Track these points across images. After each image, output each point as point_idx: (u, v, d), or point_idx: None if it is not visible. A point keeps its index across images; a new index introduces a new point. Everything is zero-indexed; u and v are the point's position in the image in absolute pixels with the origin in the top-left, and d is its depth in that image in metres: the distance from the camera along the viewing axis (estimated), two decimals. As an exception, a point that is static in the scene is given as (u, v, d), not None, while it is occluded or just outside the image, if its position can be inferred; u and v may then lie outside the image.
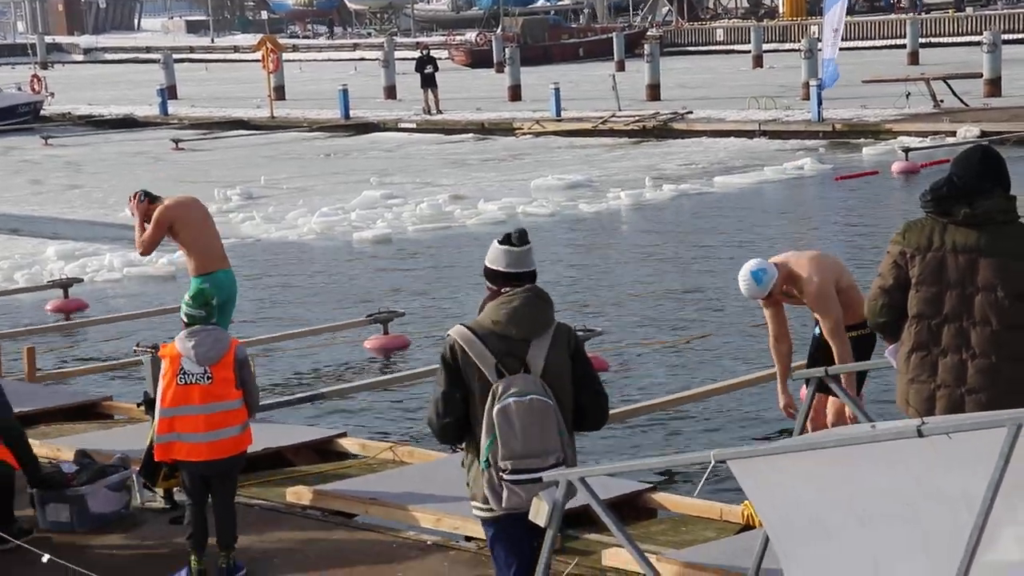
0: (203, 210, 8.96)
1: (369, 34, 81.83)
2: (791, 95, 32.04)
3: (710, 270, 14.85)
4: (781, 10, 65.57)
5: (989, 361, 4.53)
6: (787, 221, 18.50)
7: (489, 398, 4.42)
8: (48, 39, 79.70)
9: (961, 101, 28.18)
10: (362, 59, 62.38)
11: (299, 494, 7.10)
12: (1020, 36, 49.33)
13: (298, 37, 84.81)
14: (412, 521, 6.68)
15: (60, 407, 9.23)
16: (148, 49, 75.95)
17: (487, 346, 4.46)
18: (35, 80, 40.94)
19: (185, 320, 6.23)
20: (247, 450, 6.29)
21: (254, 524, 6.65)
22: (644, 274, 14.92)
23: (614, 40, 49.00)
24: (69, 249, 17.17)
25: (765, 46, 49.35)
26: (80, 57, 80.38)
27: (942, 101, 28.09)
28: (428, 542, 6.43)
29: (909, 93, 28.25)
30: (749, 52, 48.51)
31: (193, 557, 6.10)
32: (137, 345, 8.44)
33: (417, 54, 37.68)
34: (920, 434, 3.25)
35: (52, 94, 40.40)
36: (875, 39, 55.48)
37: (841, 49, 28.90)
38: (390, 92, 39.59)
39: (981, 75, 30.10)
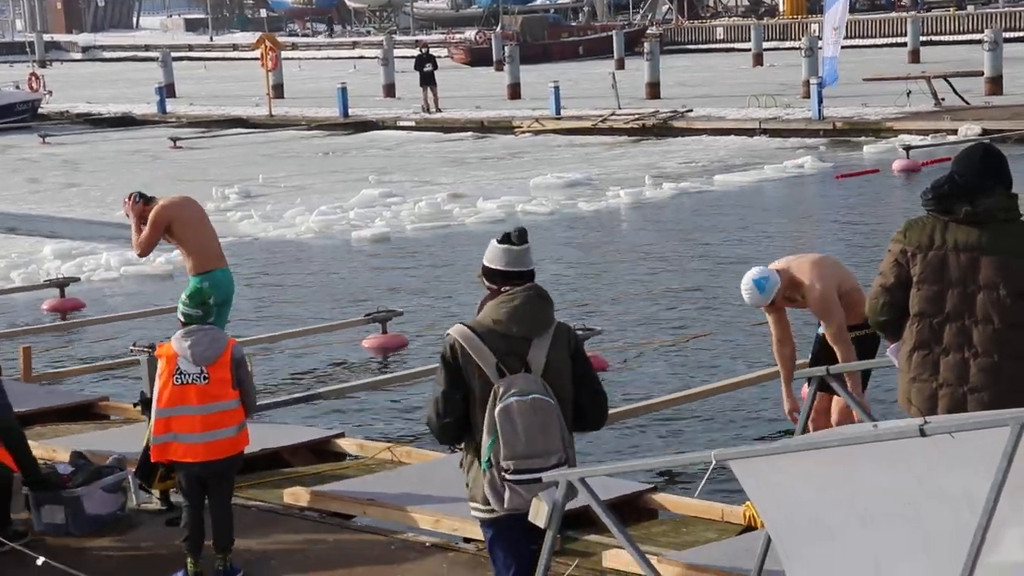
0: (199, 209, 8.95)
1: (368, 32, 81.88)
2: (791, 93, 32.03)
3: (710, 269, 14.82)
4: (781, 8, 65.61)
5: (991, 360, 4.53)
6: (787, 220, 18.45)
7: (490, 398, 4.40)
8: (46, 37, 79.74)
9: (962, 99, 28.16)
10: (361, 57, 62.33)
11: (296, 495, 7.07)
12: (1021, 34, 49.34)
13: (297, 35, 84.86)
14: (410, 522, 6.64)
15: (56, 407, 9.21)
16: (147, 47, 75.89)
17: (488, 345, 4.44)
18: (33, 78, 40.89)
19: (182, 320, 6.20)
20: (244, 451, 6.26)
21: (251, 526, 6.62)
22: (644, 273, 14.89)
23: (614, 38, 49.01)
24: (66, 248, 17.13)
25: (765, 44, 49.32)
26: (78, 55, 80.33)
27: (943, 99, 28.07)
28: (427, 544, 6.40)
29: (910, 91, 28.21)
30: (749, 50, 48.46)
31: (189, 559, 6.08)
32: (133, 345, 8.42)
33: (416, 52, 37.62)
34: (922, 433, 3.23)
35: (50, 92, 40.36)
36: (876, 37, 55.45)
37: (842, 48, 28.88)
38: (389, 90, 39.54)
39: (982, 73, 30.08)
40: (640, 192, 20.47)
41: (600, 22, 67.80)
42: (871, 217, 17.68)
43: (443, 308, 13.27)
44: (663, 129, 28.76)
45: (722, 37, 61.04)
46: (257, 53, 38.80)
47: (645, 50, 36.86)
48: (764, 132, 27.31)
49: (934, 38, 51.49)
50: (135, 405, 7.61)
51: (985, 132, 23.94)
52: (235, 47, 74.45)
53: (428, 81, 33.58)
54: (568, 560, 5.93)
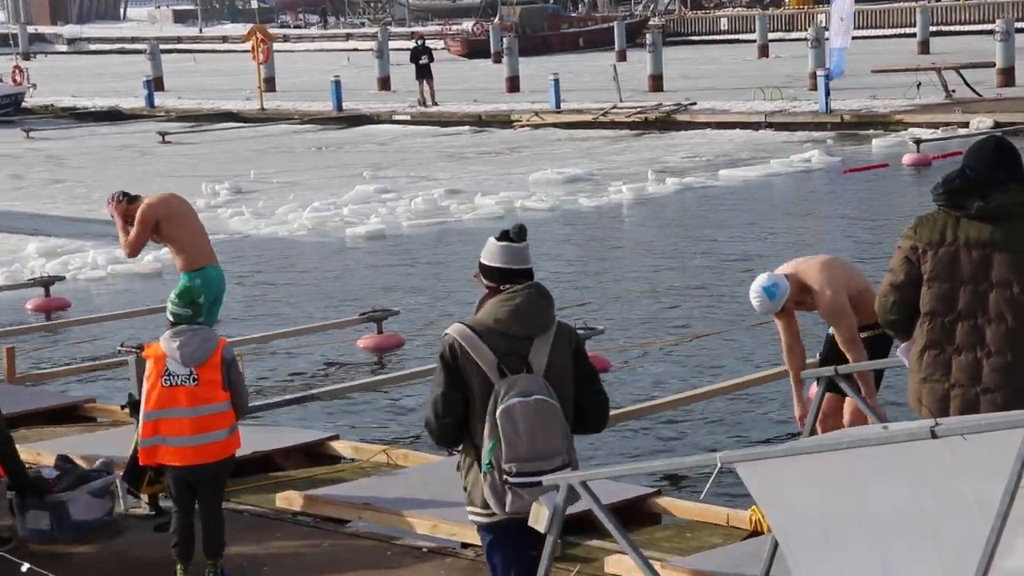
0: (187, 205, 8.92)
1: (362, 23, 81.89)
2: (798, 85, 31.99)
3: (714, 266, 14.75)
4: (787, -2, 65.24)
5: (1005, 359, 4.47)
6: (794, 216, 18.33)
7: (491, 399, 4.35)
8: (30, 29, 79.46)
9: (974, 91, 28.06)
10: (355, 49, 62.28)
11: (289, 499, 7.05)
12: (1034, 24, 48.98)
13: (289, 27, 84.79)
14: (407, 527, 6.63)
15: (41, 409, 9.17)
16: (134, 39, 75.69)
17: (488, 345, 4.40)
18: (17, 71, 40.73)
19: (171, 319, 6.17)
20: (235, 454, 6.24)
21: (243, 531, 6.60)
22: (646, 270, 14.82)
23: (615, 29, 48.94)
24: (51, 246, 17.01)
25: (771, 35, 49.34)
26: (63, 47, 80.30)
27: (954, 91, 27.99)
28: (424, 549, 6.38)
29: (920, 83, 28.15)
30: (754, 41, 48.41)
31: (179, 566, 6.07)
32: (121, 345, 8.38)
33: (412, 44, 37.59)
34: (934, 435, 3.18)
35: (34, 85, 40.24)
36: (884, 28, 55.44)
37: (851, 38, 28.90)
38: (384, 83, 39.40)
39: (994, 64, 30.01)
40: (642, 187, 20.35)
41: (601, 13, 67.96)
42: (880, 213, 17.56)
43: (440, 307, 13.20)
44: (666, 123, 28.70)
45: (726, 28, 61.11)
46: (248, 45, 38.77)
47: (647, 41, 36.79)
48: (770, 126, 27.24)
49: (944, 28, 51.46)
50: (123, 407, 7.59)
51: (997, 125, 23.79)
52: (225, 39, 74.38)
53: (424, 74, 33.46)
54: (569, 566, 5.90)
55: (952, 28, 52.52)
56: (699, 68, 42.44)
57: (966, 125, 24.41)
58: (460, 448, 4.53)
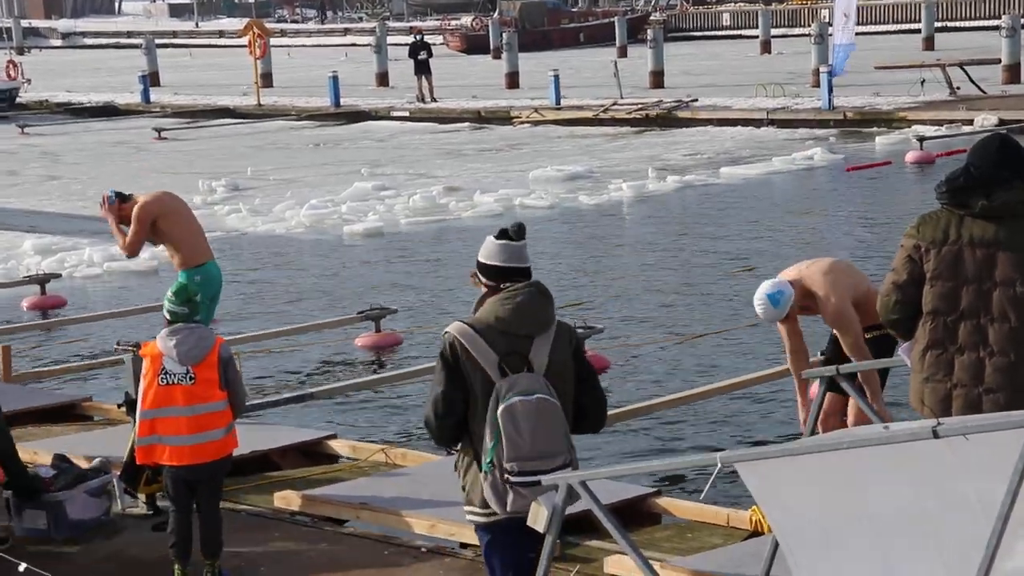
0: (181, 202, 8.88)
1: (360, 18, 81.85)
2: (800, 82, 31.94)
3: (715, 264, 14.71)
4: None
5: (1008, 359, 4.46)
6: (796, 214, 18.26)
7: (492, 398, 4.34)
8: (24, 23, 79.34)
9: (978, 88, 27.98)
10: (353, 45, 62.27)
11: (287, 499, 7.03)
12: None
13: (286, 21, 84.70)
14: (405, 527, 6.62)
15: (37, 408, 9.15)
16: (129, 34, 75.67)
17: (489, 343, 4.40)
18: (11, 66, 40.67)
19: (168, 317, 6.15)
20: (232, 453, 6.23)
21: (240, 531, 6.59)
22: (646, 269, 14.80)
23: (616, 25, 48.86)
24: (46, 243, 16.95)
25: (773, 31, 49.26)
26: (58, 42, 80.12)
27: (958, 88, 27.92)
28: (422, 549, 6.37)
29: (924, 80, 28.07)
30: (757, 37, 48.35)
31: (177, 566, 6.05)
32: (118, 343, 8.33)
33: (410, 39, 37.46)
34: (936, 435, 3.18)
35: (29, 80, 40.10)
36: (888, 23, 55.37)
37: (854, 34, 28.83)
38: (382, 79, 39.29)
39: (999, 61, 29.94)
40: (643, 185, 20.29)
41: (602, 8, 67.77)
42: (883, 211, 17.51)
43: (438, 305, 13.18)
44: (667, 120, 28.60)
45: (728, 23, 61.06)
46: (245, 40, 38.60)
47: (648, 37, 36.74)
48: (772, 123, 27.17)
49: (949, 24, 51.25)
50: (119, 406, 7.57)
51: (1002, 122, 23.67)
52: (222, 34, 74.31)
53: (423, 69, 33.39)
54: (568, 566, 5.90)
55: (957, 24, 52.37)
56: (701, 64, 42.38)
57: (970, 122, 24.35)
58: (458, 447, 4.53)
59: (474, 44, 54.41)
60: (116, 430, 8.18)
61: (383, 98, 35.21)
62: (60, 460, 7.00)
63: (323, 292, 14.13)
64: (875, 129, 25.59)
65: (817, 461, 3.45)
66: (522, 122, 29.94)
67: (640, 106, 29.45)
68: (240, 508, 6.97)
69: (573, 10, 66.63)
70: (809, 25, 40.41)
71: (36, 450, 7.85)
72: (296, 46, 64.64)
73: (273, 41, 45.50)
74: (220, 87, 40.78)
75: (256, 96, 35.41)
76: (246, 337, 10.98)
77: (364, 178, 21.99)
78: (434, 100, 33.20)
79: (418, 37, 35.11)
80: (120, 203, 8.52)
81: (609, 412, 6.24)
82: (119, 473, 6.87)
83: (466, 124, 30.68)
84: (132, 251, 8.72)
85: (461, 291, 13.15)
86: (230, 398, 6.04)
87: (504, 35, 40.07)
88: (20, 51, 63.33)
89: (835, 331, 6.79)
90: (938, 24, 46.04)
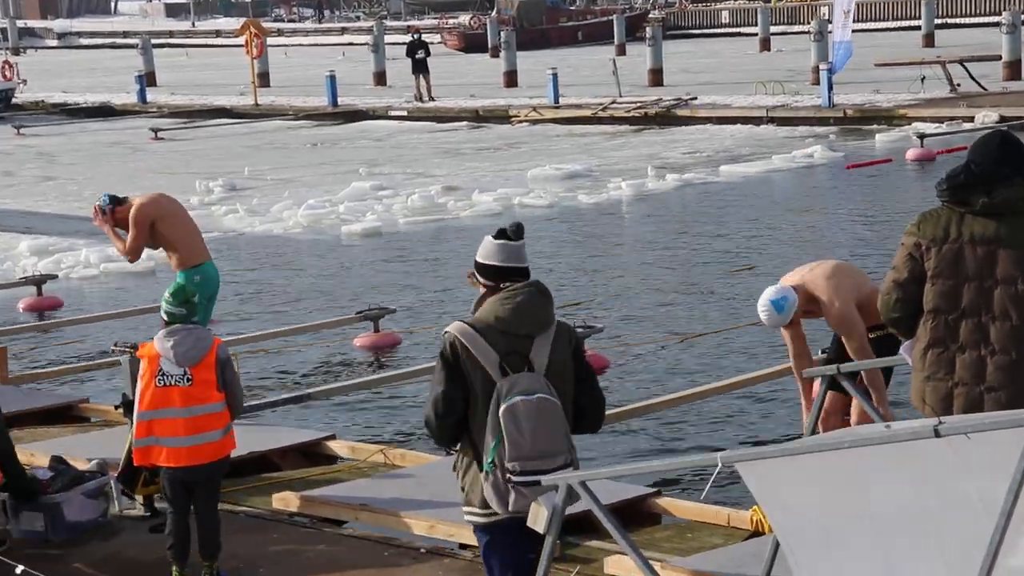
0: (177, 203, 8.91)
1: (358, 17, 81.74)
2: (800, 80, 31.93)
3: (715, 263, 14.70)
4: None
5: (1009, 357, 4.45)
6: (796, 212, 18.21)
7: (493, 397, 4.35)
8: (20, 23, 79.06)
9: (979, 85, 27.95)
10: (350, 44, 62.18)
11: (286, 500, 7.04)
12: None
13: (283, 21, 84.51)
14: (405, 528, 6.63)
15: (34, 410, 9.16)
16: (125, 34, 75.45)
17: (489, 343, 4.40)
18: (6, 66, 40.52)
19: (165, 318, 6.15)
20: (230, 455, 6.23)
21: (239, 532, 6.60)
22: (646, 268, 14.78)
23: (614, 23, 48.77)
24: (43, 244, 16.92)
25: (773, 28, 49.19)
26: (54, 42, 79.85)
27: (959, 85, 27.89)
28: (422, 550, 6.38)
29: (924, 77, 28.01)
30: (756, 35, 48.28)
31: (175, 568, 6.06)
32: (115, 345, 8.30)
33: (408, 38, 37.44)
34: (937, 434, 3.18)
35: (24, 81, 40.01)
36: (888, 20, 55.30)
37: (854, 31, 28.82)
38: (380, 78, 39.24)
39: (1000, 57, 29.89)
40: (642, 184, 20.26)
41: (600, 6, 67.62)
42: (883, 209, 17.49)
43: (437, 305, 13.17)
44: (666, 118, 28.56)
45: (727, 21, 60.98)
46: (241, 40, 38.50)
47: (647, 35, 36.70)
48: (772, 120, 27.13)
49: (949, 20, 51.16)
50: (116, 407, 7.55)
51: (1003, 119, 23.65)
52: (218, 33, 74.20)
53: (420, 68, 33.36)
54: (568, 567, 5.90)
55: (958, 20, 52.29)
56: (700, 62, 42.33)
57: (971, 119, 24.33)
58: (457, 448, 4.53)
59: (472, 43, 54.31)
60: (113, 432, 8.17)
61: (381, 97, 35.17)
62: (57, 462, 6.99)
63: (321, 292, 14.12)
64: (875, 126, 25.55)
65: (818, 460, 3.45)
66: (520, 121, 29.90)
67: (639, 104, 29.41)
68: (239, 509, 6.98)
69: (571, 8, 66.49)
70: (809, 22, 40.32)
71: (33, 452, 7.85)
72: (293, 45, 64.52)
73: (270, 40, 45.42)
74: (217, 87, 40.72)
75: (253, 96, 35.36)
76: (244, 338, 10.97)
77: (362, 178, 21.95)
78: (432, 99, 33.14)
79: (416, 36, 35.07)
80: (115, 207, 8.51)
81: (609, 412, 6.29)
82: (116, 475, 6.87)
83: (464, 123, 30.63)
84: (133, 255, 8.72)
85: (460, 291, 13.12)
86: (228, 399, 6.04)
87: (502, 33, 40.04)
88: (16, 51, 63.20)
89: (839, 334, 6.78)
90: (938, 20, 45.96)
